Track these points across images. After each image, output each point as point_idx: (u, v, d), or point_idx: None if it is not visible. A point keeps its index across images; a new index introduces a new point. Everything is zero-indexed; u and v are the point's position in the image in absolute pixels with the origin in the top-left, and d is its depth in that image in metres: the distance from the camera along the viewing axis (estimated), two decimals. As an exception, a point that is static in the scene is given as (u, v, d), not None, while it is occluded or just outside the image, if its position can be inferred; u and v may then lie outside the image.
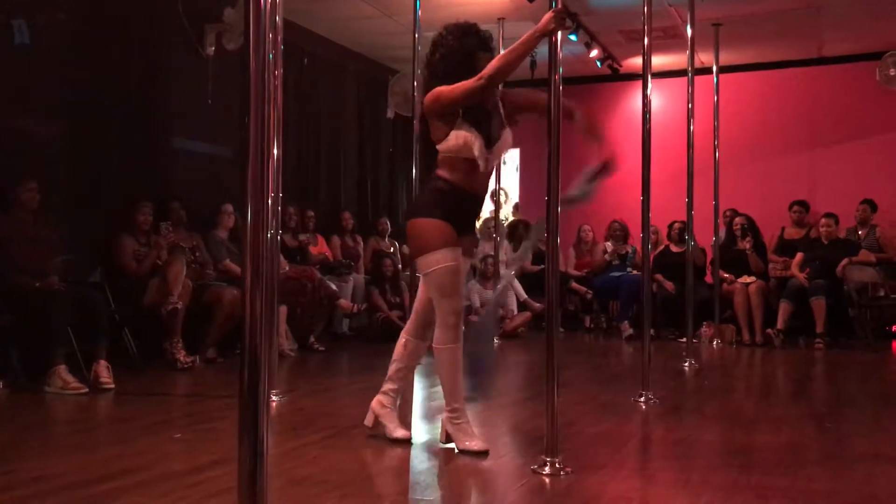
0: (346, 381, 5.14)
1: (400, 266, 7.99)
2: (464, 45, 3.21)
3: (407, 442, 3.37)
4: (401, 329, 3.57)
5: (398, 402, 3.51)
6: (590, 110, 3.36)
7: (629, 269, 8.29)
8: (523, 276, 8.27)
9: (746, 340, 7.47)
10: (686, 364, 5.87)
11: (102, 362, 4.65)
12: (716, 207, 7.52)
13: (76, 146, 5.68)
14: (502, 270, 8.11)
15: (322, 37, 8.34)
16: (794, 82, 9.21)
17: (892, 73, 8.51)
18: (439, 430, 3.39)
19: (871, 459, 3.27)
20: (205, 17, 6.62)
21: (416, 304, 3.44)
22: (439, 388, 3.65)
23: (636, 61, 7.83)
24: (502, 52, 3.27)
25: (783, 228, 8.39)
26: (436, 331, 3.26)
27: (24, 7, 5.26)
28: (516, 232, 8.94)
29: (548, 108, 3.06)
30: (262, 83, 1.71)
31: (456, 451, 3.24)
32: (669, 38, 8.13)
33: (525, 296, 8.17)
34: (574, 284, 8.58)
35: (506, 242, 8.81)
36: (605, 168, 3.18)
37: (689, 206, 6.07)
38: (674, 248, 8.20)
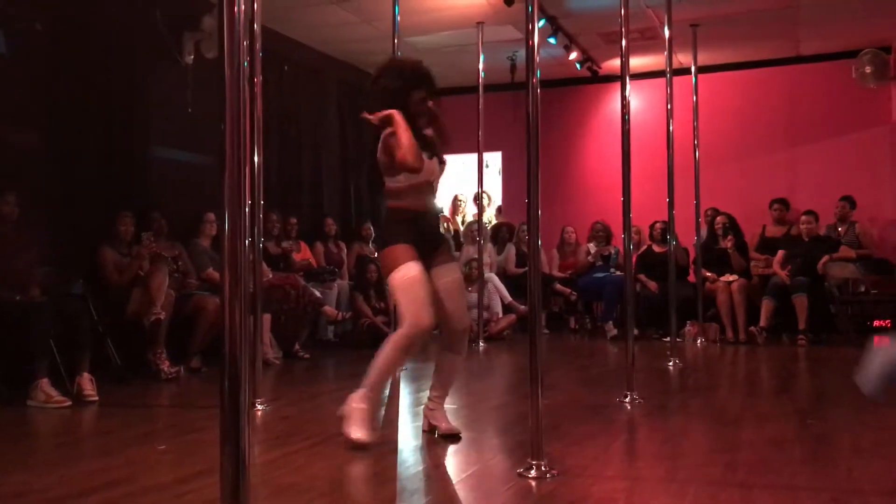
0: (331, 388, 5.12)
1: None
2: (396, 85, 3.49)
3: (456, 437, 3.53)
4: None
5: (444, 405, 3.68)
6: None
7: (612, 270, 8.33)
8: (508, 279, 8.30)
9: (730, 338, 7.52)
10: (670, 363, 5.89)
11: (86, 375, 4.61)
12: (697, 207, 7.56)
13: (55, 157, 5.64)
14: (486, 273, 8.11)
15: (302, 43, 8.34)
16: (772, 81, 9.29)
17: (867, 71, 8.61)
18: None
19: (854, 454, 3.30)
20: (183, 25, 6.59)
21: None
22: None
23: (615, 63, 7.90)
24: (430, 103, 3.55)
25: (764, 226, 8.47)
26: (399, 328, 3.40)
27: (1, 16, 5.22)
28: (500, 235, 8.97)
29: (527, 112, 3.07)
30: (237, 90, 1.72)
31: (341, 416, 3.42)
32: (647, 40, 8.17)
33: (510, 298, 8.17)
34: (558, 286, 8.59)
35: (489, 245, 8.81)
36: None
37: (671, 205, 6.12)
38: (656, 248, 8.24)
